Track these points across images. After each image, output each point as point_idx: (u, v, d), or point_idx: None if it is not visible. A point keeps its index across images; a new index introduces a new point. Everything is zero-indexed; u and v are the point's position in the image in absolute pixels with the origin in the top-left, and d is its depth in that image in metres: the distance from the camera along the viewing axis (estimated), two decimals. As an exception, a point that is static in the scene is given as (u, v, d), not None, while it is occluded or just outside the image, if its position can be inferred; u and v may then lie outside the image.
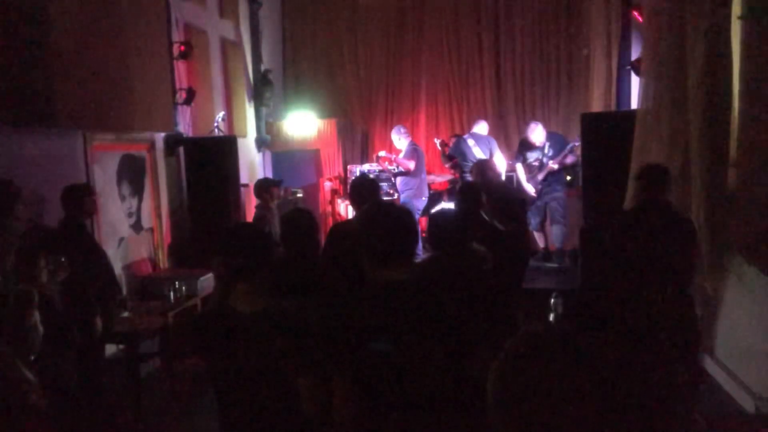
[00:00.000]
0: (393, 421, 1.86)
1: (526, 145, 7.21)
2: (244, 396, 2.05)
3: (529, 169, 7.16)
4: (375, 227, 1.96)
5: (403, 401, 1.85)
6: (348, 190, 4.25)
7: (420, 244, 6.40)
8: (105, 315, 4.30)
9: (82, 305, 4.05)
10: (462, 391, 1.87)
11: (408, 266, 1.97)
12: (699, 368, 3.79)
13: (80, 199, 4.13)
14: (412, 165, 7.33)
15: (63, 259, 3.88)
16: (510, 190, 6.58)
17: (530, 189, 7.07)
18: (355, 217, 3.61)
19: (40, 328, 2.73)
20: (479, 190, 4.34)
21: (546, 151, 7.05)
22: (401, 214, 2.02)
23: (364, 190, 3.62)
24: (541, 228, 7.27)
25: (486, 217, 4.19)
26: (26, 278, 3.28)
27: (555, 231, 7.17)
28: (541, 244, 7.30)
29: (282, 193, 6.31)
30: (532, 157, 7.13)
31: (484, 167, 5.39)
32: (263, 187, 6.10)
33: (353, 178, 6.42)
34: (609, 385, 0.91)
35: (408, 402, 1.85)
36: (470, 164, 7.28)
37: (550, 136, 7.15)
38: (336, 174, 8.53)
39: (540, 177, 7.05)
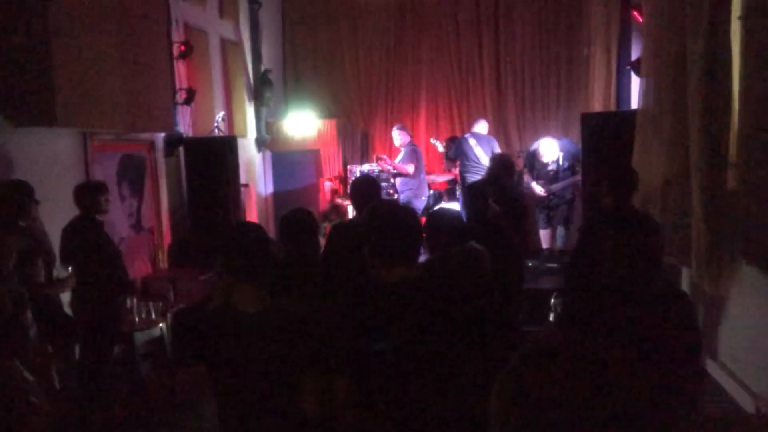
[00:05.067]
0: (394, 420, 1.86)
1: (536, 161, 6.95)
2: (245, 396, 2.05)
3: (543, 177, 6.93)
4: (381, 227, 1.97)
5: (404, 401, 1.85)
6: (349, 190, 4.26)
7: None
8: (117, 312, 4.35)
9: (106, 300, 4.12)
10: (463, 390, 1.86)
11: (412, 266, 1.98)
12: (701, 372, 3.78)
13: (95, 197, 4.15)
14: (411, 169, 7.32)
15: (70, 269, 3.90)
16: (517, 193, 6.53)
17: (538, 189, 6.98)
18: (355, 217, 3.61)
19: (35, 328, 2.73)
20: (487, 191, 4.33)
21: (561, 163, 6.82)
22: (407, 214, 2.03)
23: (365, 190, 3.62)
24: (548, 226, 7.23)
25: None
26: (22, 279, 3.28)
27: (559, 232, 7.15)
28: (545, 244, 7.26)
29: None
30: (545, 170, 6.89)
31: (508, 164, 5.27)
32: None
33: (354, 177, 6.43)
34: (614, 394, 0.91)
35: (409, 402, 1.85)
36: (472, 164, 7.26)
37: (561, 144, 6.87)
38: (336, 174, 8.53)
39: (554, 188, 6.85)
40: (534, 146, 7.15)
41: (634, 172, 4.14)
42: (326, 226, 5.97)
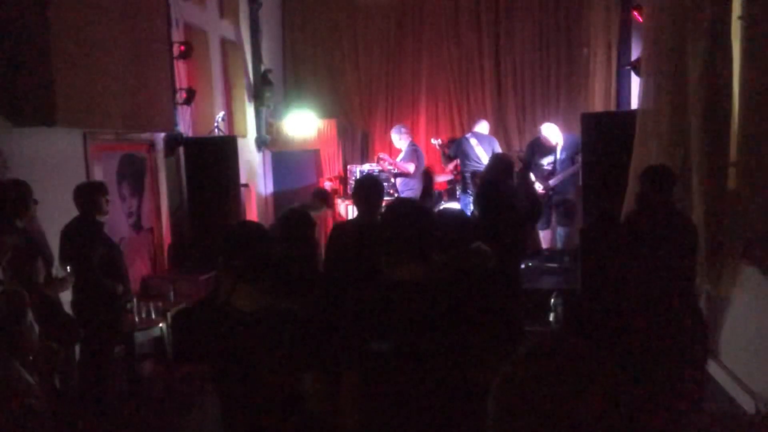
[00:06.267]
0: (398, 419, 1.86)
1: (538, 148, 6.98)
2: (247, 395, 2.05)
3: (540, 174, 6.96)
4: (394, 224, 1.97)
5: (408, 400, 1.85)
6: (352, 190, 4.25)
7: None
8: (119, 313, 4.36)
9: (107, 302, 4.12)
10: (465, 390, 1.87)
11: (424, 265, 1.98)
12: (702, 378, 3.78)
13: (96, 198, 4.15)
14: (411, 168, 7.32)
15: (69, 269, 3.90)
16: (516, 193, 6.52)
17: (537, 186, 6.98)
18: (358, 216, 3.61)
19: (36, 329, 2.72)
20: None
21: (558, 155, 6.84)
22: (421, 213, 2.03)
23: (368, 190, 3.61)
24: (548, 226, 7.24)
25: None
26: (21, 279, 3.28)
27: (559, 232, 7.16)
28: (545, 244, 7.28)
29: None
30: (545, 162, 6.93)
31: (508, 163, 5.29)
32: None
33: (358, 177, 6.40)
34: (616, 398, 0.91)
35: (412, 401, 1.85)
36: (473, 164, 7.26)
37: (562, 137, 6.89)
38: (336, 174, 8.53)
39: (552, 183, 6.89)
40: (534, 137, 7.17)
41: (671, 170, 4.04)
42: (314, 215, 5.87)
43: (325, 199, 5.90)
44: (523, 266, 6.18)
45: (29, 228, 3.84)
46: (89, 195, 4.15)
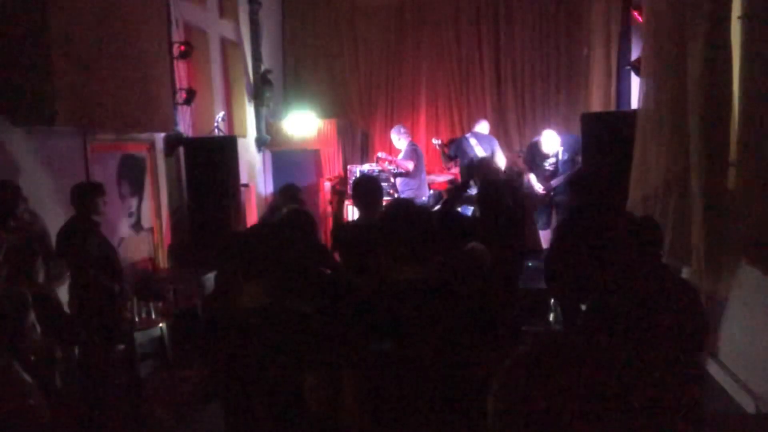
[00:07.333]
0: (398, 419, 1.86)
1: (537, 154, 7.01)
2: (249, 395, 2.05)
3: (541, 174, 6.98)
4: (394, 225, 1.98)
5: (408, 400, 1.85)
6: (351, 191, 4.26)
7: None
8: (116, 313, 4.35)
9: (106, 302, 4.12)
10: (465, 390, 1.87)
11: (425, 265, 1.99)
12: (699, 371, 3.78)
13: (93, 198, 4.15)
14: (410, 166, 7.32)
15: (63, 266, 3.90)
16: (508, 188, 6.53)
17: (538, 186, 7.00)
18: (360, 217, 3.61)
19: (38, 329, 2.72)
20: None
21: (560, 156, 6.86)
22: (420, 214, 2.04)
23: (367, 189, 3.61)
24: (548, 227, 7.25)
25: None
26: (21, 279, 3.28)
27: None
28: (545, 244, 7.27)
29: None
30: (547, 163, 6.95)
31: (487, 165, 5.35)
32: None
33: (357, 177, 6.38)
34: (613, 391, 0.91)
35: (412, 401, 1.85)
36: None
37: (561, 138, 6.90)
38: (336, 174, 8.53)
39: (554, 183, 6.91)
40: (535, 139, 7.18)
41: (597, 175, 4.10)
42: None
43: (294, 196, 5.77)
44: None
45: (29, 228, 3.84)
46: (86, 195, 4.15)
